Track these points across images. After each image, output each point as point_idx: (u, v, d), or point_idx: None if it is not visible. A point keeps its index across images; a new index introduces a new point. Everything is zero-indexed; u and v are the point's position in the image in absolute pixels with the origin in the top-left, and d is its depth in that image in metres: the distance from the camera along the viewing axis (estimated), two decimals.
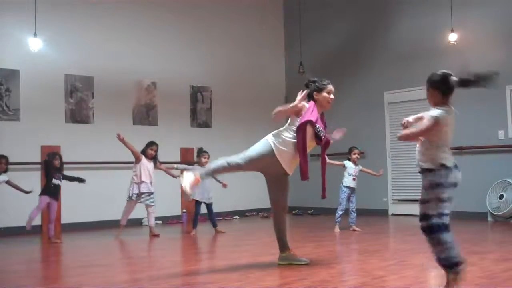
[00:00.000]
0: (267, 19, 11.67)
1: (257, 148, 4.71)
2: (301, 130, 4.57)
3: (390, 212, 9.82)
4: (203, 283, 4.22)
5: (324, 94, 4.77)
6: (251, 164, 4.68)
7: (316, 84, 4.82)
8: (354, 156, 7.56)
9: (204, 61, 10.47)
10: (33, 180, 8.27)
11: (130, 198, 7.57)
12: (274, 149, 4.63)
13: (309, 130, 4.60)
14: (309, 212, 10.51)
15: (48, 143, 8.49)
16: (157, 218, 9.44)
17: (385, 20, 10.13)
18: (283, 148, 4.63)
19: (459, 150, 8.87)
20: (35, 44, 7.91)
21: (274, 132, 4.80)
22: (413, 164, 9.58)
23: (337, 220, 7.43)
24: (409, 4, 9.76)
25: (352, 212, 7.46)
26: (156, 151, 7.74)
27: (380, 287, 3.84)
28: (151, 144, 7.74)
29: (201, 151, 7.97)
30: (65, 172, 7.39)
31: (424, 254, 5.31)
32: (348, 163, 7.57)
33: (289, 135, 4.67)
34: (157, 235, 7.47)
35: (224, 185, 7.97)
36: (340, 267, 4.76)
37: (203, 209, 7.92)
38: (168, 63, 9.97)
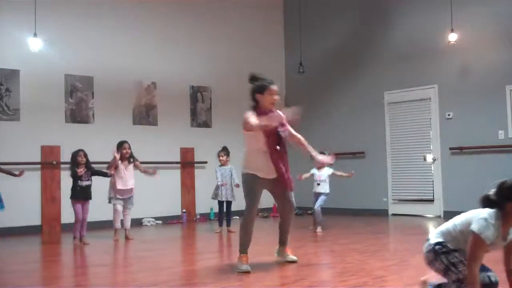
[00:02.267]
0: (267, 19, 11.67)
1: (245, 186, 4.81)
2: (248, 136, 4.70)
3: (390, 212, 9.82)
4: (203, 283, 4.22)
5: (267, 95, 4.65)
6: (258, 197, 4.78)
7: (257, 83, 4.72)
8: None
9: (204, 61, 10.47)
10: (33, 180, 8.29)
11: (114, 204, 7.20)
12: (249, 171, 4.70)
13: (251, 134, 4.68)
14: (309, 212, 10.49)
15: (48, 143, 8.50)
16: (157, 218, 9.48)
17: (385, 20, 10.13)
18: (249, 162, 4.73)
19: (459, 150, 8.87)
20: (35, 44, 7.90)
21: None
22: (413, 164, 9.62)
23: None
24: (409, 4, 9.76)
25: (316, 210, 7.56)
26: (129, 149, 7.24)
27: (380, 287, 3.84)
28: (122, 143, 7.25)
29: (223, 150, 7.97)
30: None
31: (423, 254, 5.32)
32: (313, 170, 7.72)
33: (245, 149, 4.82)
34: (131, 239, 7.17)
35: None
36: (340, 267, 4.76)
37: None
38: (168, 63, 9.97)
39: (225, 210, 7.94)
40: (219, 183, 7.77)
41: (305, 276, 4.29)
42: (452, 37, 8.60)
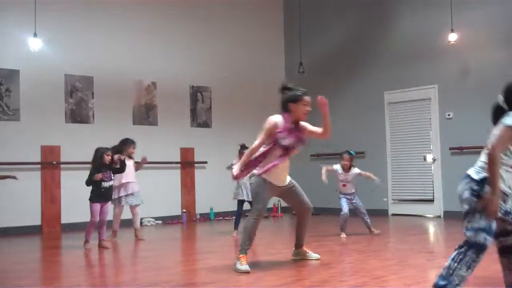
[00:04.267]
0: (267, 19, 11.67)
1: (254, 189, 4.80)
2: (271, 147, 4.62)
3: (390, 212, 9.82)
4: (203, 283, 4.22)
5: (300, 106, 4.65)
6: (267, 204, 4.85)
7: (292, 93, 4.72)
8: (342, 163, 7.06)
9: (204, 61, 10.47)
10: (33, 180, 8.29)
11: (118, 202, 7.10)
12: (267, 178, 4.70)
13: (276, 150, 4.62)
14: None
15: (48, 143, 8.50)
16: (157, 218, 9.47)
17: (385, 20, 10.13)
18: (270, 172, 4.68)
19: (459, 150, 8.87)
20: (35, 44, 7.90)
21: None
22: (413, 164, 9.63)
23: (341, 228, 6.89)
24: (409, 4, 9.76)
25: (362, 215, 7.01)
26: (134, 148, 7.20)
27: (380, 287, 3.84)
28: (131, 142, 7.18)
29: (243, 148, 7.20)
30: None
31: (424, 254, 5.32)
32: (337, 167, 7.09)
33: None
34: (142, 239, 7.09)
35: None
36: (340, 267, 4.76)
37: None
38: (168, 63, 9.97)
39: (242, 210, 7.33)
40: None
41: (305, 276, 4.28)
42: (452, 37, 8.60)
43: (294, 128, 4.66)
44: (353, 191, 7.10)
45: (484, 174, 2.89)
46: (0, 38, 8.22)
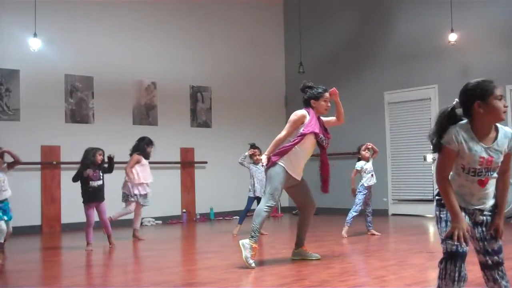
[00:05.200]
0: (267, 19, 11.67)
1: (276, 178, 4.85)
2: (299, 138, 4.83)
3: (390, 212, 9.82)
4: (203, 283, 4.22)
5: (322, 102, 5.03)
6: (279, 194, 4.91)
7: (313, 91, 5.08)
8: (363, 153, 6.98)
9: (204, 61, 10.47)
10: (33, 180, 8.29)
11: (135, 199, 7.17)
12: (286, 168, 4.84)
13: (310, 139, 4.88)
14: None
15: (48, 143, 8.50)
16: (157, 218, 9.48)
17: (385, 20, 10.13)
18: (291, 162, 4.85)
19: None
20: (35, 44, 7.90)
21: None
22: (413, 164, 9.62)
23: (348, 221, 6.79)
24: (409, 4, 9.75)
25: (368, 214, 6.91)
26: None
27: (380, 287, 3.84)
28: (150, 142, 7.33)
29: (253, 147, 7.38)
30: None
31: (424, 254, 5.32)
32: (360, 164, 6.97)
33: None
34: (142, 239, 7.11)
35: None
36: (340, 267, 4.76)
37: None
38: (168, 63, 9.97)
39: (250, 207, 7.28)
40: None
41: (305, 276, 4.29)
42: (452, 37, 8.60)
43: (325, 129, 5.08)
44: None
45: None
46: (0, 38, 8.22)
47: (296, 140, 4.82)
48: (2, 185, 5.52)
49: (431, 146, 2.66)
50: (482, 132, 2.57)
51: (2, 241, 5.40)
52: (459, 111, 2.62)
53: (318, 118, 5.04)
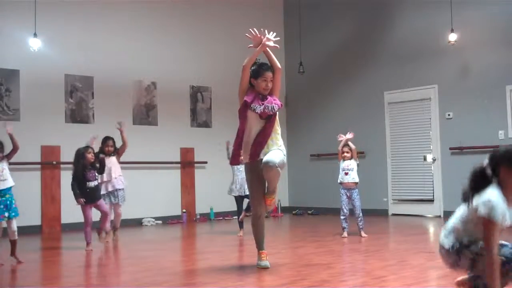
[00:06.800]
0: (267, 19, 11.65)
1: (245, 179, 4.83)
2: (241, 115, 4.66)
3: (390, 212, 9.82)
4: (203, 283, 4.22)
5: (259, 81, 4.80)
6: (256, 188, 4.68)
7: (255, 69, 4.88)
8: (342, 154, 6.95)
9: (204, 61, 10.47)
10: (33, 180, 8.29)
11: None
12: (244, 159, 4.77)
13: (250, 114, 4.63)
14: (309, 212, 10.51)
15: (48, 143, 8.50)
16: (157, 218, 9.47)
17: (385, 20, 10.13)
18: (244, 148, 4.71)
19: (459, 150, 8.87)
20: (35, 44, 7.90)
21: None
22: (413, 164, 9.62)
23: (342, 226, 6.74)
24: (409, 4, 9.76)
25: (357, 216, 6.74)
26: (111, 146, 7.07)
27: (380, 287, 3.84)
28: (107, 139, 7.10)
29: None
30: (71, 172, 6.41)
31: (424, 254, 5.32)
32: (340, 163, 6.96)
33: None
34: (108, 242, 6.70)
35: None
36: (340, 267, 4.76)
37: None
38: (168, 63, 9.97)
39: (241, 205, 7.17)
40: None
41: (305, 276, 4.28)
42: (452, 37, 8.60)
43: (262, 99, 4.72)
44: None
45: (455, 242, 2.91)
46: (0, 38, 8.22)
47: (240, 122, 4.67)
48: (1, 174, 5.47)
49: (464, 200, 2.87)
50: (509, 198, 2.79)
51: None
52: (488, 171, 2.81)
53: (265, 97, 4.72)
